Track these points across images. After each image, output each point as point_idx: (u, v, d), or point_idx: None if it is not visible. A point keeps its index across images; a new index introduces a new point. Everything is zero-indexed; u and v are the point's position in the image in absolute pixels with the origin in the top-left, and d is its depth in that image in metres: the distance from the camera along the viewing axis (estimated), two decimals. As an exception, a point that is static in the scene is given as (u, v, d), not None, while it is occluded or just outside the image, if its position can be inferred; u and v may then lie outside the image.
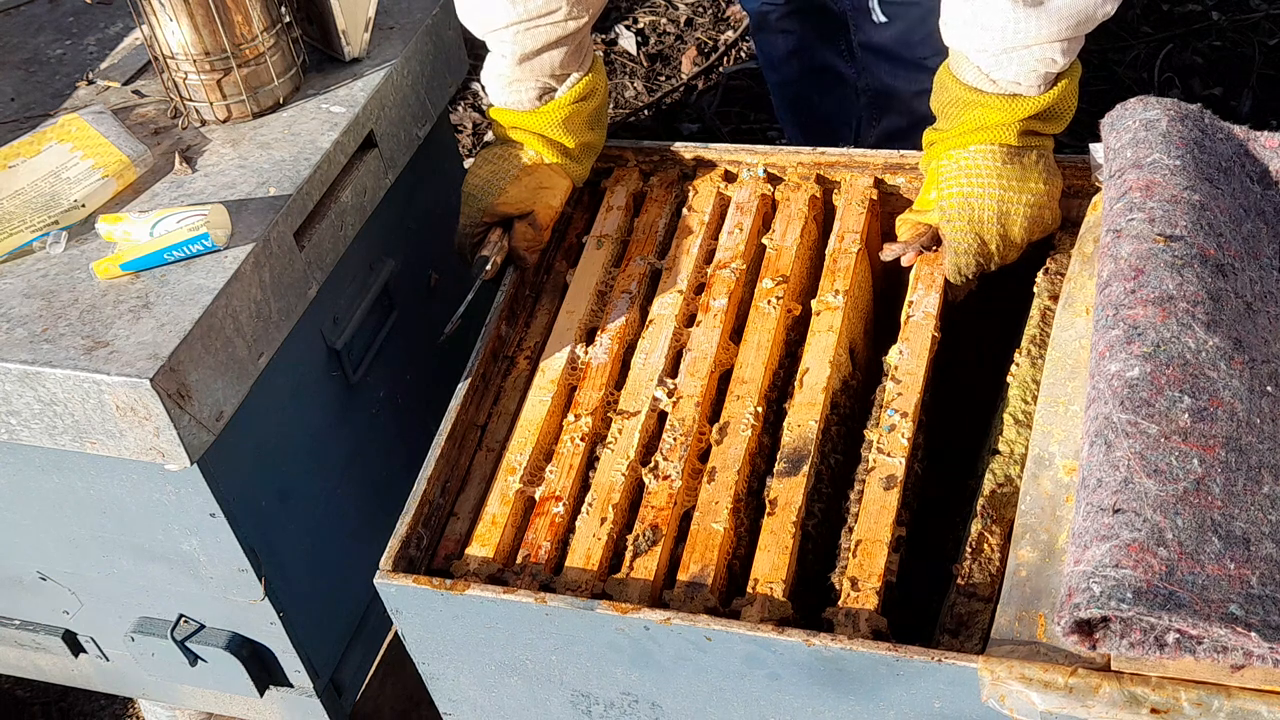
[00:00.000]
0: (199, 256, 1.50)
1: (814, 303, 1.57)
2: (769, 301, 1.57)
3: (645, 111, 3.38)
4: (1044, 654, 1.17)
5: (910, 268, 1.58)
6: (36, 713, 2.47)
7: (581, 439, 1.49)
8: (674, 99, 3.41)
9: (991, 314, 1.63)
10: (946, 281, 1.54)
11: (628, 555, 1.38)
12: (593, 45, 1.83)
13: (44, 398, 1.43)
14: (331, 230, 1.65)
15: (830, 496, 1.47)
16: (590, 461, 1.48)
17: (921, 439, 1.49)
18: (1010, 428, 1.40)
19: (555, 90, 1.66)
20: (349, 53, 1.76)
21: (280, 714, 1.88)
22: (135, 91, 1.81)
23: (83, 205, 1.59)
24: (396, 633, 1.50)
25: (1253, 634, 1.04)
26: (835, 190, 1.70)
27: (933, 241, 1.54)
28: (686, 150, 1.76)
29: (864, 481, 1.38)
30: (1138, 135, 1.41)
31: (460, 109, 3.51)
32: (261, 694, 1.79)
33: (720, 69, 3.46)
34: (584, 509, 1.43)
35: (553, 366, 1.57)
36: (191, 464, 1.45)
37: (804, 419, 1.45)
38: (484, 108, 3.48)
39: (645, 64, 3.52)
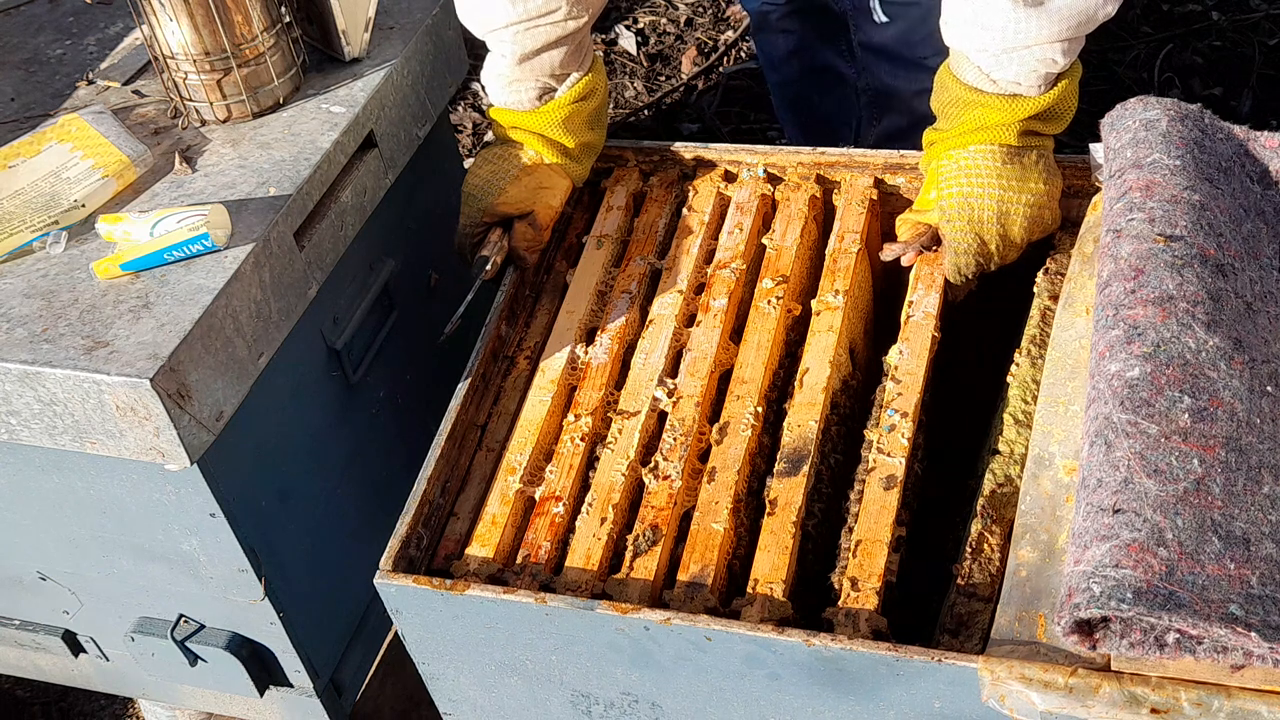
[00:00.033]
0: (199, 256, 1.50)
1: (814, 303, 1.57)
2: (769, 301, 1.57)
3: (645, 111, 3.38)
4: (1044, 654, 1.17)
5: (910, 268, 1.58)
6: (36, 713, 2.47)
7: (581, 439, 1.49)
8: (674, 99, 3.41)
9: (991, 314, 1.63)
10: (946, 281, 1.54)
11: (628, 555, 1.38)
12: (593, 45, 1.83)
13: (44, 398, 1.43)
14: (331, 230, 1.65)
15: (830, 496, 1.47)
16: (590, 461, 1.48)
17: (921, 439, 1.49)
18: (1010, 428, 1.40)
19: (555, 90, 1.66)
20: (349, 53, 1.76)
21: (280, 714, 1.88)
22: (135, 91, 1.81)
23: (83, 205, 1.59)
24: (396, 633, 1.50)
25: (1253, 634, 1.04)
26: (835, 190, 1.70)
27: (933, 241, 1.54)
28: (686, 150, 1.76)
29: (864, 481, 1.38)
30: (1138, 135, 1.41)
31: (460, 109, 3.51)
32: (261, 694, 1.79)
33: (720, 69, 3.46)
34: (584, 509, 1.43)
35: (553, 366, 1.57)
36: (191, 464, 1.45)
37: (804, 419, 1.45)
38: (484, 108, 3.48)
39: (645, 64, 3.52)
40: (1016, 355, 1.46)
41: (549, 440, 1.52)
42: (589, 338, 1.61)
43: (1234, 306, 1.26)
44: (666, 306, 1.60)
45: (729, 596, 1.36)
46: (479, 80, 1.70)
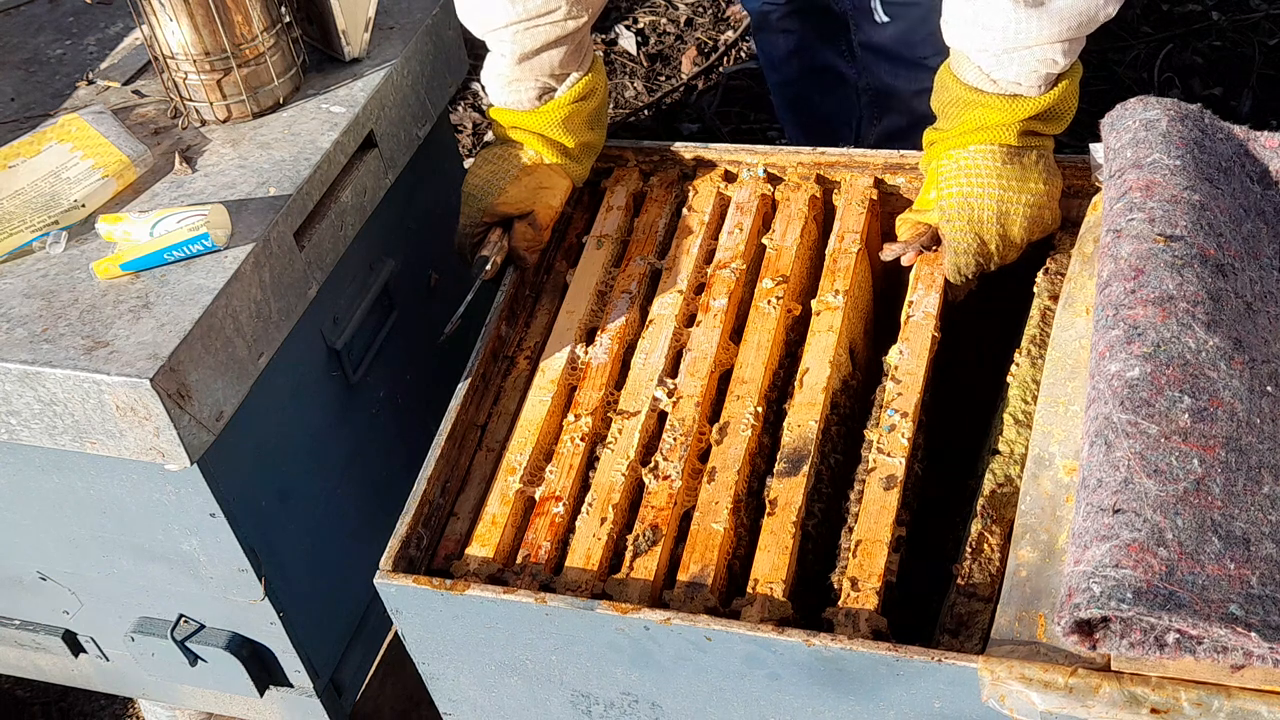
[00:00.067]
0: (199, 256, 1.50)
1: (814, 303, 1.57)
2: (769, 301, 1.57)
3: (645, 111, 3.38)
4: (1044, 654, 1.17)
5: (910, 268, 1.58)
6: (36, 713, 2.47)
7: (581, 439, 1.49)
8: (674, 99, 3.41)
9: (991, 314, 1.63)
10: (946, 281, 1.54)
11: (628, 555, 1.38)
12: (592, 45, 1.83)
13: (44, 398, 1.43)
14: (331, 230, 1.65)
15: (830, 496, 1.47)
16: (590, 461, 1.48)
17: (921, 439, 1.49)
18: (1010, 428, 1.40)
19: (555, 90, 1.66)
20: (349, 53, 1.76)
21: (280, 714, 1.88)
22: (135, 91, 1.81)
23: (83, 205, 1.59)
24: (396, 633, 1.50)
25: (1253, 634, 1.04)
26: (835, 190, 1.70)
27: (933, 241, 1.54)
28: (686, 150, 1.76)
29: (864, 481, 1.38)
30: (1138, 135, 1.41)
31: (460, 109, 3.51)
32: (261, 694, 1.79)
33: (720, 69, 3.46)
34: (584, 509, 1.43)
35: (553, 366, 1.57)
36: (191, 464, 1.45)
37: (804, 419, 1.45)
38: (484, 108, 3.48)
39: (645, 64, 3.52)
40: (1016, 355, 1.46)
41: (549, 440, 1.52)
42: (589, 338, 1.61)
43: (1234, 306, 1.26)
44: (666, 306, 1.60)
45: (729, 596, 1.36)
46: (479, 80, 1.70)
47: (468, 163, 1.86)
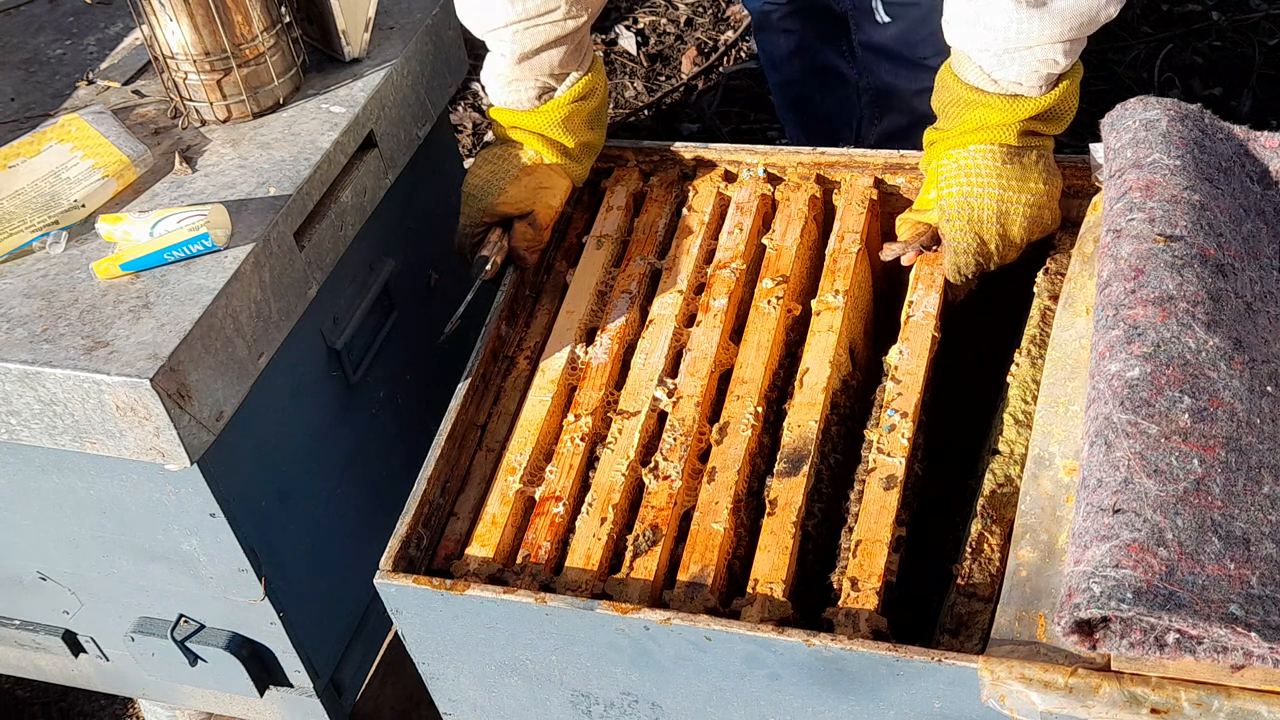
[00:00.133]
0: (199, 256, 1.50)
1: (814, 303, 1.57)
2: (769, 301, 1.57)
3: (645, 111, 3.38)
4: (1044, 654, 1.17)
5: (910, 267, 1.58)
6: (36, 713, 2.47)
7: (581, 439, 1.49)
8: (674, 99, 3.41)
9: (991, 314, 1.63)
10: (946, 281, 1.54)
11: (628, 555, 1.38)
12: (592, 45, 1.83)
13: (44, 398, 1.43)
14: (331, 230, 1.65)
15: (830, 496, 1.47)
16: (590, 461, 1.48)
17: (921, 439, 1.49)
18: (1010, 428, 1.40)
19: (555, 90, 1.66)
20: (349, 53, 1.76)
21: (280, 714, 1.88)
22: (135, 91, 1.81)
23: (83, 205, 1.59)
24: (396, 633, 1.50)
25: (1253, 634, 1.04)
26: (835, 190, 1.70)
27: (932, 241, 1.54)
28: (686, 150, 1.76)
29: (864, 481, 1.38)
30: (1138, 135, 1.41)
31: (460, 109, 3.51)
32: (261, 694, 1.79)
33: (720, 69, 3.46)
34: (584, 509, 1.43)
35: (553, 366, 1.57)
36: (191, 464, 1.45)
37: (804, 419, 1.45)
38: (484, 108, 3.48)
39: (645, 64, 3.52)
40: (1016, 355, 1.46)
41: (549, 440, 1.52)
42: (589, 338, 1.61)
43: (1234, 306, 1.26)
44: (666, 306, 1.60)
45: (729, 596, 1.36)
46: (479, 80, 1.70)
47: (468, 163, 1.86)
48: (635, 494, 1.45)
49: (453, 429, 1.51)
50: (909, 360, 1.48)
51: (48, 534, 1.70)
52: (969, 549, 1.31)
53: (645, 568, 1.36)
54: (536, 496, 1.47)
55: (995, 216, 1.47)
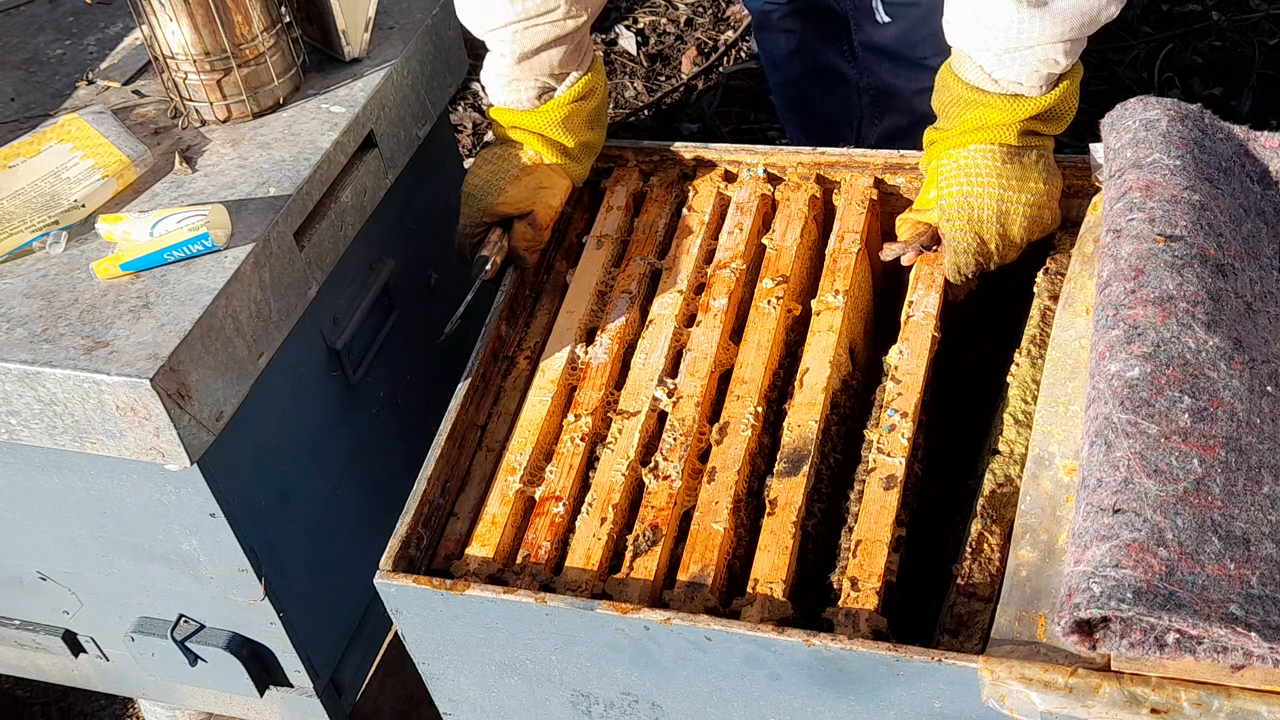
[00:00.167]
0: (199, 256, 1.50)
1: (814, 303, 1.57)
2: (769, 301, 1.57)
3: (645, 111, 3.38)
4: (1044, 654, 1.17)
5: (910, 267, 1.58)
6: (36, 713, 2.47)
7: (581, 439, 1.49)
8: (674, 99, 3.41)
9: (991, 314, 1.63)
10: (946, 281, 1.54)
11: (628, 555, 1.38)
12: (592, 44, 1.83)
13: (44, 398, 1.43)
14: (331, 230, 1.65)
15: (830, 496, 1.47)
16: (590, 461, 1.48)
17: (921, 439, 1.49)
18: (1010, 428, 1.40)
19: (554, 89, 1.66)
20: (349, 53, 1.76)
21: (280, 714, 1.88)
22: (135, 91, 1.81)
23: (83, 205, 1.59)
24: (396, 633, 1.49)
25: (1253, 634, 1.04)
26: (835, 190, 1.70)
27: (932, 241, 1.54)
28: (686, 150, 1.76)
29: (864, 481, 1.38)
30: (1138, 135, 1.41)
31: (460, 109, 3.51)
32: (261, 694, 1.79)
33: (720, 69, 3.46)
34: (584, 509, 1.43)
35: (553, 366, 1.57)
36: (191, 464, 1.45)
37: (804, 419, 1.45)
38: (484, 108, 3.48)
39: (645, 64, 3.52)
40: (1016, 355, 1.46)
41: (549, 440, 1.52)
42: (589, 338, 1.61)
43: (1234, 306, 1.26)
44: (666, 306, 1.60)
45: (729, 596, 1.36)
46: (479, 80, 1.70)
47: (468, 163, 1.86)
48: (635, 494, 1.45)
49: (453, 429, 1.51)
50: (909, 360, 1.48)
51: (48, 534, 1.70)
52: (969, 549, 1.31)
53: (645, 568, 1.36)
54: (536, 496, 1.47)
55: (995, 216, 1.47)
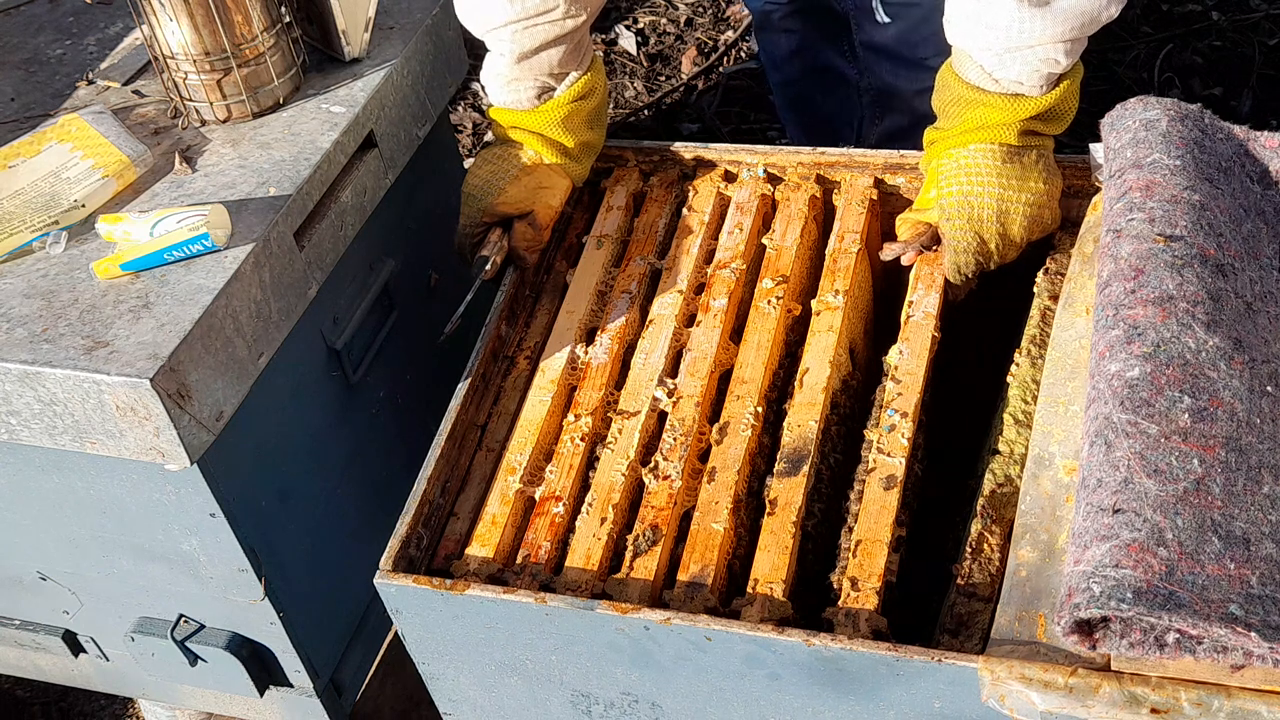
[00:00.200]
0: (199, 256, 1.50)
1: (814, 303, 1.57)
2: (769, 301, 1.57)
3: (645, 111, 3.38)
4: (1044, 654, 1.17)
5: (910, 267, 1.58)
6: (36, 713, 2.47)
7: (581, 439, 1.49)
8: (674, 99, 3.41)
9: (991, 314, 1.63)
10: (946, 281, 1.54)
11: (628, 555, 1.38)
12: (592, 44, 1.83)
13: (44, 398, 1.43)
14: (331, 230, 1.65)
15: (830, 496, 1.47)
16: (590, 461, 1.48)
17: (921, 439, 1.49)
18: (1010, 428, 1.40)
19: (554, 89, 1.66)
20: (349, 53, 1.76)
21: (280, 714, 1.88)
22: (135, 91, 1.81)
23: (83, 205, 1.59)
24: (396, 633, 1.50)
25: (1253, 634, 1.04)
26: (835, 190, 1.70)
27: (932, 241, 1.54)
28: (686, 150, 1.76)
29: (864, 481, 1.38)
30: (1138, 135, 1.41)
31: (460, 109, 3.51)
32: (261, 694, 1.79)
33: (720, 69, 3.46)
34: (584, 509, 1.43)
35: (553, 366, 1.57)
36: (191, 464, 1.45)
37: (804, 419, 1.45)
38: (484, 108, 3.48)
39: (645, 64, 3.52)
40: (1016, 355, 1.46)
41: (549, 440, 1.52)
42: (589, 338, 1.61)
43: (1234, 306, 1.26)
44: (666, 306, 1.60)
45: (729, 596, 1.36)
46: (479, 80, 1.70)
47: (468, 163, 1.86)
48: (635, 494, 1.45)
49: (453, 429, 1.51)
50: (909, 360, 1.48)
51: (48, 534, 1.70)
52: (969, 549, 1.31)
53: (645, 568, 1.36)
54: (536, 496, 1.47)
55: (995, 216, 1.47)
